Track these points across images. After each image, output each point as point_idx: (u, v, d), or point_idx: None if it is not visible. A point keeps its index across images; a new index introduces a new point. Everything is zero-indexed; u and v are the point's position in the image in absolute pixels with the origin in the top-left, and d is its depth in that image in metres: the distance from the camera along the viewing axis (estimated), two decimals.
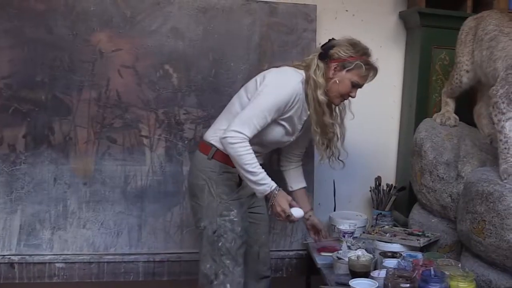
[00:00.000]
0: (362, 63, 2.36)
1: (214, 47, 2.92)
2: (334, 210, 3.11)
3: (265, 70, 2.88)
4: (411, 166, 2.84)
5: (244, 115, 2.25)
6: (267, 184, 2.25)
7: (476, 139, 2.74)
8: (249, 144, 2.22)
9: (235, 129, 2.21)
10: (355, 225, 2.73)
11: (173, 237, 2.88)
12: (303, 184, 2.70)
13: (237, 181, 2.39)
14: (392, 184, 3.09)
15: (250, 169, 2.22)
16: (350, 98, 2.45)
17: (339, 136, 2.53)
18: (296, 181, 2.68)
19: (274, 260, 2.80)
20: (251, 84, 2.40)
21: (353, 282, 2.08)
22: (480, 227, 2.22)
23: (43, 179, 2.80)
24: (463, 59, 2.74)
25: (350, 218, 2.90)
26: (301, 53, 2.99)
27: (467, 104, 2.95)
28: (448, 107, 2.88)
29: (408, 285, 1.95)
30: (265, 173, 2.26)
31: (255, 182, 2.24)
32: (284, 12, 2.99)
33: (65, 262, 2.75)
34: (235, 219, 2.36)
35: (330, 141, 2.49)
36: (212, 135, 2.40)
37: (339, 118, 2.52)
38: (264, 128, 2.29)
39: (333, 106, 2.46)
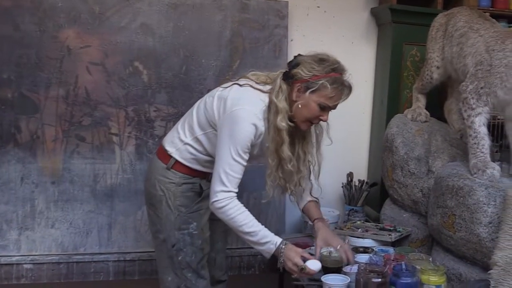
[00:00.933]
0: (328, 83, 2.03)
1: (184, 43, 2.89)
2: None
3: (235, 66, 2.93)
4: (382, 162, 2.85)
5: (219, 170, 2.02)
6: (270, 241, 2.04)
7: (447, 134, 2.76)
8: (238, 202, 2.04)
9: (217, 189, 2.02)
10: (328, 220, 2.71)
11: (144, 236, 2.85)
12: (308, 198, 2.35)
13: (198, 191, 2.21)
14: (364, 180, 3.09)
15: (246, 230, 2.03)
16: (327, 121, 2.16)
17: (310, 169, 2.27)
18: (304, 196, 2.36)
19: (246, 257, 2.79)
20: (209, 102, 2.13)
21: (325, 277, 2.07)
22: (450, 221, 2.23)
23: (9, 179, 2.75)
24: (433, 55, 2.76)
25: (323, 214, 2.88)
26: (273, 50, 2.98)
27: (437, 100, 2.98)
28: (419, 102, 2.90)
29: (379, 279, 1.94)
30: (265, 229, 2.05)
31: (256, 243, 2.04)
32: (256, 8, 2.97)
33: (33, 263, 2.70)
34: (194, 232, 2.19)
35: (287, 181, 2.19)
36: (171, 144, 2.20)
37: (314, 144, 2.25)
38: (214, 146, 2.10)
39: (301, 134, 2.20)
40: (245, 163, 2.05)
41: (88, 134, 2.79)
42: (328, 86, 2.03)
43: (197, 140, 2.15)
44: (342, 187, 3.12)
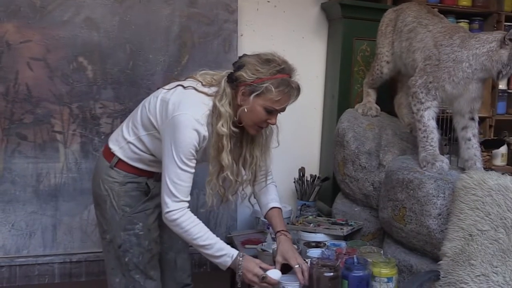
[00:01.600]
0: (273, 86, 1.93)
1: (131, 38, 2.80)
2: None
3: (184, 62, 2.87)
4: (334, 156, 2.85)
5: (167, 181, 1.95)
6: (226, 254, 1.99)
7: (397, 128, 2.78)
8: (191, 214, 1.97)
9: (167, 201, 1.95)
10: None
11: (90, 236, 2.75)
12: (274, 204, 2.26)
13: (144, 190, 2.14)
14: (315, 175, 3.09)
15: (201, 243, 1.97)
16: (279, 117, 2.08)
17: (256, 173, 2.18)
18: (266, 201, 2.27)
19: (197, 255, 2.72)
20: (153, 103, 2.05)
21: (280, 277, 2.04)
22: (401, 214, 2.24)
23: None
24: (383, 50, 2.77)
25: None
26: (223, 44, 2.94)
27: (388, 94, 3.00)
28: (370, 97, 2.91)
29: (331, 273, 1.95)
30: (220, 242, 2.00)
31: (212, 256, 1.99)
32: (204, 2, 2.91)
33: None
34: (140, 233, 2.13)
35: (226, 190, 2.11)
36: (115, 142, 2.14)
37: (262, 148, 2.16)
38: (159, 149, 2.03)
39: (250, 137, 2.13)
40: (192, 170, 1.97)
41: (30, 132, 2.67)
42: (273, 89, 1.94)
43: (140, 140, 2.09)
44: (294, 182, 3.10)
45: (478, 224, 1.93)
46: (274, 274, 2.01)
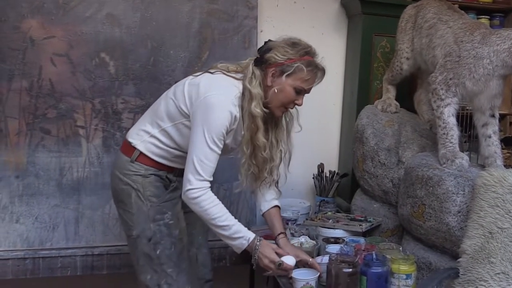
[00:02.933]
0: (304, 65, 2.04)
1: (152, 34, 2.83)
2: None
3: (204, 57, 2.88)
4: (353, 153, 2.85)
5: (193, 159, 1.97)
6: (242, 236, 2.01)
7: (416, 125, 2.77)
8: (212, 194, 2.00)
9: (190, 178, 1.97)
10: (298, 212, 2.72)
11: (112, 229, 2.79)
12: (274, 203, 2.30)
13: (165, 183, 2.15)
14: (334, 171, 3.09)
15: (219, 224, 1.99)
16: (297, 107, 2.16)
17: (282, 157, 2.21)
18: (265, 199, 2.30)
19: (217, 249, 2.75)
20: (179, 90, 2.09)
21: (296, 272, 2.06)
22: (420, 211, 2.24)
23: None
24: (403, 46, 2.77)
25: (293, 206, 2.88)
26: (242, 41, 2.95)
27: (407, 90, 2.99)
28: (389, 93, 2.91)
29: (350, 269, 1.96)
30: (238, 224, 2.02)
31: (228, 237, 2.01)
32: None
33: None
34: (170, 222, 2.12)
35: (260, 170, 2.16)
36: (135, 137, 2.14)
37: (285, 132, 2.22)
38: (187, 138, 2.04)
39: (274, 121, 2.17)
40: (220, 152, 2.01)
41: (53, 127, 2.71)
42: (304, 68, 2.04)
43: (165, 132, 2.09)
44: (313, 178, 3.11)
45: (498, 221, 1.93)
46: (289, 260, 2.07)
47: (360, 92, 3.08)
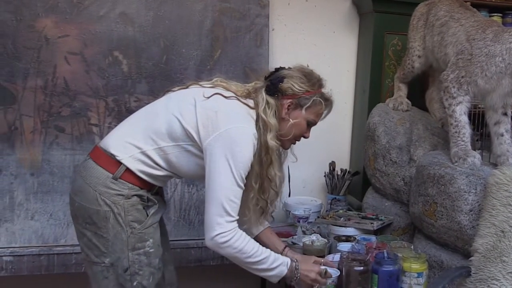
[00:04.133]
0: (321, 99, 1.97)
1: (165, 33, 2.85)
2: (289, 196, 3.10)
3: (216, 56, 2.89)
4: (364, 151, 2.85)
5: (222, 200, 1.80)
6: (281, 263, 1.91)
7: (428, 123, 2.77)
8: (240, 231, 1.85)
9: (220, 221, 1.80)
10: (310, 210, 2.73)
11: None
12: (266, 224, 2.21)
13: (145, 205, 1.91)
14: (346, 169, 3.10)
15: (257, 259, 1.86)
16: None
17: (279, 191, 2.05)
18: (256, 223, 2.16)
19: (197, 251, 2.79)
20: (187, 110, 1.87)
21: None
22: (432, 209, 2.24)
23: None
24: (415, 44, 2.76)
25: (305, 204, 2.89)
26: (254, 39, 2.96)
27: (419, 89, 2.98)
28: (401, 92, 2.91)
29: (361, 268, 1.96)
30: (270, 252, 1.90)
31: (267, 269, 1.89)
32: None
33: (13, 255, 2.64)
34: (151, 251, 1.89)
35: (268, 203, 2.02)
36: (121, 149, 1.87)
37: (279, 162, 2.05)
38: (186, 163, 1.90)
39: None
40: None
41: (68, 125, 2.74)
42: (322, 102, 1.98)
43: (161, 152, 1.88)
44: (325, 176, 3.12)
45: (510, 220, 1.93)
46: (330, 269, 2.02)
47: (372, 91, 3.08)
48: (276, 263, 1.90)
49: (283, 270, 1.92)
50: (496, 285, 1.88)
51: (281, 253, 2.13)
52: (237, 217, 1.85)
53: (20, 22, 2.68)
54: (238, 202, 1.84)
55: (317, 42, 3.21)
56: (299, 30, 3.18)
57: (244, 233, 1.87)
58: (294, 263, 1.94)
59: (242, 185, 1.84)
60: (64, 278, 2.81)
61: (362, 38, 3.25)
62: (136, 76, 2.82)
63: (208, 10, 2.90)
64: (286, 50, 3.11)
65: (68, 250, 2.71)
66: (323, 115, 2.05)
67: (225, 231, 1.81)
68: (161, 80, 2.83)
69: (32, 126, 2.71)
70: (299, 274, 1.94)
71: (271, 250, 2.11)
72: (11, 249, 2.67)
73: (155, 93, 2.83)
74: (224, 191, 1.80)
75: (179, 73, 2.85)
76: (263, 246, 2.08)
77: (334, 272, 2.01)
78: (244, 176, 1.83)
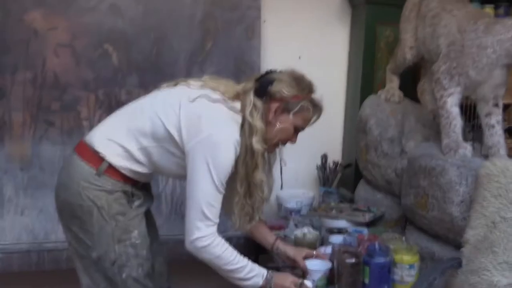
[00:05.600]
0: (310, 105, 1.94)
1: (155, 25, 2.84)
2: (281, 189, 3.08)
3: (207, 48, 2.88)
4: (356, 143, 2.85)
5: (202, 204, 1.80)
6: (256, 274, 1.90)
7: (420, 115, 2.77)
8: (219, 237, 1.84)
9: (199, 225, 1.80)
10: (302, 202, 2.73)
11: None
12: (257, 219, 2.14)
13: (129, 199, 1.91)
14: (338, 162, 3.09)
15: (233, 267, 1.86)
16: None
17: (266, 196, 2.00)
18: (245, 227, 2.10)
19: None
20: (171, 111, 1.84)
21: (307, 263, 2.06)
22: (423, 201, 2.24)
23: None
24: (407, 36, 2.75)
25: (297, 196, 2.88)
26: (246, 31, 2.95)
27: (411, 80, 2.98)
28: (393, 83, 2.90)
29: (353, 260, 1.96)
30: (247, 261, 1.90)
31: (242, 279, 1.88)
32: None
33: (3, 252, 2.64)
34: (137, 242, 1.89)
35: (255, 209, 1.97)
36: (105, 146, 1.86)
37: (266, 166, 2.01)
38: (168, 163, 1.88)
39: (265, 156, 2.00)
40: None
41: (57, 118, 2.73)
42: (310, 108, 1.94)
43: (144, 150, 1.87)
44: (317, 168, 3.12)
45: (501, 211, 1.93)
46: (308, 283, 1.98)
47: (364, 82, 3.07)
48: (251, 273, 1.90)
49: (258, 281, 1.91)
50: (487, 275, 1.88)
51: (273, 245, 2.16)
52: (217, 221, 1.84)
53: (8, 15, 2.67)
54: (218, 206, 1.83)
55: (309, 33, 3.20)
56: (290, 21, 3.16)
57: (223, 240, 1.86)
58: (268, 277, 1.92)
59: (222, 189, 1.82)
60: (56, 274, 2.79)
61: (354, 29, 3.24)
62: (126, 69, 2.81)
63: (199, 2, 2.89)
64: (277, 42, 3.09)
65: (59, 246, 2.70)
66: (311, 121, 2.01)
67: (204, 236, 1.81)
68: (152, 73, 2.82)
69: (21, 120, 2.70)
70: (272, 284, 1.92)
71: (263, 243, 2.15)
72: (1, 246, 2.66)
73: (146, 86, 2.81)
74: (204, 196, 1.80)
75: (170, 66, 2.84)
76: (254, 239, 2.12)
77: (310, 284, 1.97)
78: (224, 182, 1.81)
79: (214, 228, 1.83)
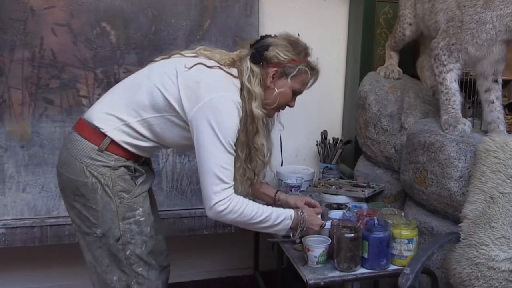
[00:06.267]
0: (307, 68, 1.97)
1: (153, 3, 2.80)
2: (281, 165, 3.11)
3: (205, 26, 2.86)
4: (356, 120, 2.86)
5: (214, 169, 1.80)
6: (284, 217, 1.96)
7: (419, 91, 2.77)
8: (237, 196, 1.86)
9: (216, 189, 1.81)
10: (302, 179, 2.73)
11: None
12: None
13: (133, 175, 1.92)
14: (338, 138, 3.10)
15: (259, 219, 1.89)
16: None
17: (267, 160, 2.05)
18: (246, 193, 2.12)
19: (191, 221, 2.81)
20: (168, 80, 1.86)
21: (307, 239, 2.07)
22: (422, 176, 2.25)
23: None
24: (405, 12, 2.74)
25: (297, 172, 2.89)
26: (244, 8, 2.92)
27: (410, 57, 2.97)
28: (392, 60, 2.90)
29: (352, 235, 1.97)
30: (271, 209, 1.94)
31: (271, 226, 1.94)
32: None
33: (6, 228, 2.65)
34: (141, 219, 1.91)
35: (255, 174, 2.01)
36: (105, 122, 1.86)
37: (265, 130, 2.05)
38: (170, 133, 1.90)
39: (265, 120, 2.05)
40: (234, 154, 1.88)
41: (56, 97, 2.72)
42: (308, 71, 1.97)
43: (145, 123, 1.88)
44: (317, 145, 3.13)
45: (500, 187, 1.94)
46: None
47: (363, 59, 3.06)
48: (279, 218, 1.95)
49: (287, 223, 1.98)
50: (485, 250, 1.91)
51: (274, 198, 2.26)
52: (232, 183, 1.85)
53: None
54: (231, 169, 1.84)
55: (308, 10, 3.17)
56: None
57: (241, 197, 1.88)
58: (300, 216, 2.01)
59: (232, 151, 1.84)
60: (58, 249, 2.82)
61: (353, 6, 3.21)
62: (124, 47, 2.78)
63: None
64: (276, 19, 3.07)
65: (61, 222, 2.71)
66: (309, 84, 2.04)
67: (223, 199, 1.82)
68: (150, 51, 2.80)
69: (21, 98, 2.68)
70: (303, 226, 2.02)
71: (265, 199, 2.25)
72: (4, 221, 2.67)
73: (144, 64, 2.80)
74: (215, 159, 1.80)
75: (168, 44, 2.82)
76: (256, 198, 2.22)
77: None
78: (232, 143, 1.83)
79: (231, 190, 1.85)
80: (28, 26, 2.66)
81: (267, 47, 1.93)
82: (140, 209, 1.91)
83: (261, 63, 1.92)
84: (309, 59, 2.00)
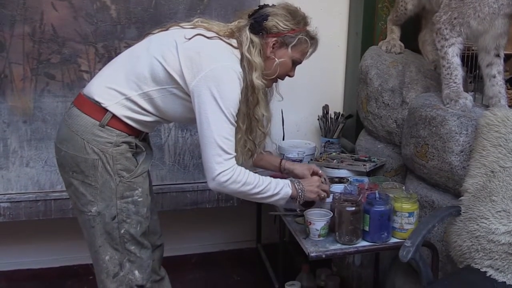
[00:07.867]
0: (307, 38, 1.95)
1: None
2: (283, 139, 3.12)
3: (206, 0, 2.84)
4: (357, 94, 2.86)
5: (217, 139, 1.79)
6: (283, 186, 1.96)
7: (421, 65, 2.76)
8: (239, 167, 1.85)
9: (219, 160, 1.80)
10: (304, 153, 2.75)
11: None
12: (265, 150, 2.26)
13: (134, 152, 1.90)
14: (339, 112, 3.10)
15: (260, 189, 1.89)
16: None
17: (267, 130, 2.04)
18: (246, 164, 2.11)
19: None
20: (168, 52, 1.83)
21: (308, 212, 2.09)
22: (423, 150, 2.26)
23: None
24: None
25: (299, 147, 2.91)
26: None
27: (412, 31, 2.95)
28: (394, 34, 2.89)
29: (353, 208, 1.99)
30: (270, 179, 1.94)
31: (272, 195, 1.93)
32: None
33: (10, 202, 2.68)
34: (139, 200, 1.89)
35: (256, 145, 2.01)
36: (105, 96, 1.84)
37: (265, 101, 2.02)
38: (172, 106, 1.89)
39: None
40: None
41: (58, 71, 2.71)
42: (308, 41, 1.95)
43: (147, 96, 1.86)
44: (318, 119, 3.13)
45: (501, 161, 1.95)
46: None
47: (365, 33, 3.04)
48: (278, 187, 1.94)
49: (287, 191, 1.97)
50: (485, 223, 1.93)
51: (279, 167, 2.26)
52: (234, 154, 1.85)
53: None
54: (233, 139, 1.84)
55: None
56: None
57: (242, 168, 1.88)
58: (297, 186, 2.00)
59: (234, 122, 1.83)
60: (62, 223, 2.85)
61: None
62: (125, 22, 2.77)
63: None
64: None
65: (65, 196, 2.70)
66: (309, 54, 2.02)
67: (226, 169, 1.81)
68: (150, 25, 2.77)
69: (22, 73, 2.68)
70: (303, 188, 2.01)
71: (270, 168, 2.29)
72: (8, 195, 2.70)
73: (143, 37, 2.78)
74: (217, 129, 1.79)
75: (168, 18, 2.80)
76: (261, 168, 2.27)
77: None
78: (234, 114, 1.82)
79: (233, 161, 1.84)
80: (28, 1, 2.64)
81: (266, 17, 1.91)
82: (139, 189, 1.90)
83: (261, 33, 1.90)
84: (308, 28, 1.97)
